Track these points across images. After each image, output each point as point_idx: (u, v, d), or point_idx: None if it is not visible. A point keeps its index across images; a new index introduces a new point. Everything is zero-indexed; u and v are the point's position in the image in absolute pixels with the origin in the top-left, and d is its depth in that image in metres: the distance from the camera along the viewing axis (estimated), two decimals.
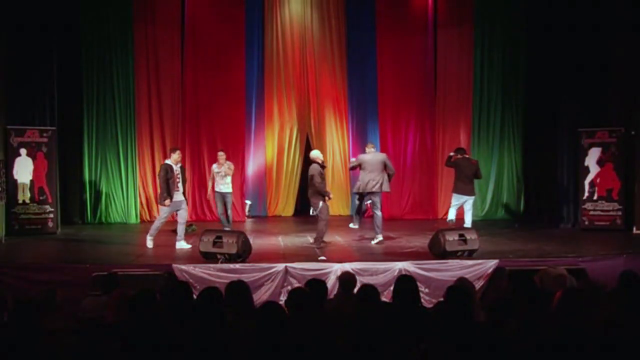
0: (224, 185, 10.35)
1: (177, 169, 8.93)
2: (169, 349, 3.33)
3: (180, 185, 9.03)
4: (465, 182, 9.80)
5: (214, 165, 10.52)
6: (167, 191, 8.74)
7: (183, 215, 9.11)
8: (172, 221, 12.38)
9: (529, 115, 12.64)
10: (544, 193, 12.27)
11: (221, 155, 10.49)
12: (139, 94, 12.44)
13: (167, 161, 8.96)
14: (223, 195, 10.36)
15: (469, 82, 12.82)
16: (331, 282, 7.13)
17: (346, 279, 5.40)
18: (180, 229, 9.05)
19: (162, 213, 9.12)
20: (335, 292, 6.78)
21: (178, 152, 9.07)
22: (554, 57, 11.59)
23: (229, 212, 10.54)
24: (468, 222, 9.81)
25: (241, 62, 12.90)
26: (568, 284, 5.21)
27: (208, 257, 7.78)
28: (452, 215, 9.93)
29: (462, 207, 9.96)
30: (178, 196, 8.96)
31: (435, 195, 13.19)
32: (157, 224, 9.10)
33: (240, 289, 4.20)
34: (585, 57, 10.96)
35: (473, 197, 9.94)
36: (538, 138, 12.48)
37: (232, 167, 10.51)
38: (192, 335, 3.45)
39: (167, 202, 8.76)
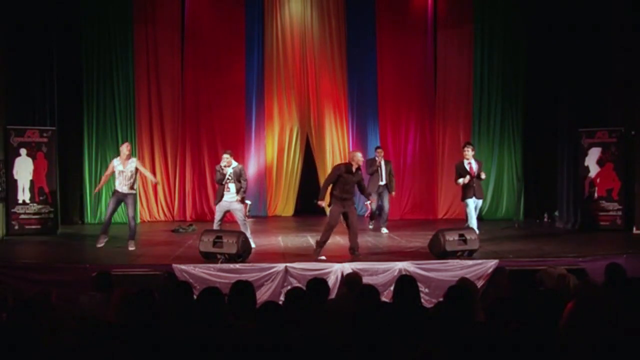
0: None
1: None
2: (168, 349, 3.33)
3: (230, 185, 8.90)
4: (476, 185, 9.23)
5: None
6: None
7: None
8: (172, 221, 12.46)
9: (529, 115, 12.63)
10: (544, 193, 12.26)
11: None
12: (139, 94, 12.45)
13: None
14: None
15: (469, 82, 12.81)
16: (331, 282, 7.12)
17: (352, 278, 5.42)
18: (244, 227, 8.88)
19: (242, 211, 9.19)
20: (335, 292, 6.80)
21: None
22: (554, 57, 11.58)
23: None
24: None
25: (241, 62, 12.96)
26: (571, 284, 5.19)
27: (208, 257, 7.78)
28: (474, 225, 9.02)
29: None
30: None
31: (435, 195, 13.20)
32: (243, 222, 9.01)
33: (245, 289, 4.20)
34: (585, 57, 10.95)
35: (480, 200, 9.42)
36: (538, 138, 12.48)
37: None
38: (192, 335, 3.44)
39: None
